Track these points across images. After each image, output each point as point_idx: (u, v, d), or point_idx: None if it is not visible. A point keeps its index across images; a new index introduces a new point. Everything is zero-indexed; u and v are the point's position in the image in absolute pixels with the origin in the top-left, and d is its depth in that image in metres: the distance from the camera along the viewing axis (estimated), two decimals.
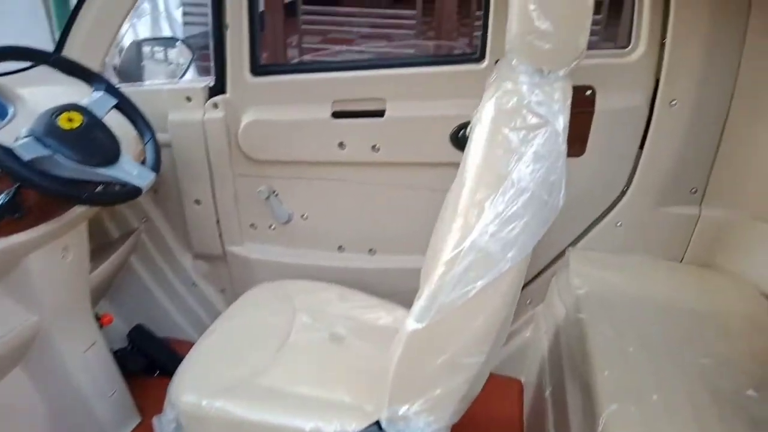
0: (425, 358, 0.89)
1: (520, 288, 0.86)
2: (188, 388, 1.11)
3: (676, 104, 1.30)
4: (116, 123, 1.26)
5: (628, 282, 1.32)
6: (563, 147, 0.78)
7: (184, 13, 3.38)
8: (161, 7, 3.26)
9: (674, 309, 1.23)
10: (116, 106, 1.26)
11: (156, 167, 1.25)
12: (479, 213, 0.79)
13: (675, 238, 1.43)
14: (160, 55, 2.08)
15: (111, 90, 1.26)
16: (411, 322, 0.87)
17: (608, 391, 0.99)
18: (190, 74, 2.00)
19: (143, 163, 1.28)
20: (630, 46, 1.32)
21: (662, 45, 1.28)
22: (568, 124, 0.77)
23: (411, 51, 3.97)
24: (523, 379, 1.66)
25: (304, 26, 4.21)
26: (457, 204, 0.84)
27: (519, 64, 0.79)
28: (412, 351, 0.89)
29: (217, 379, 1.14)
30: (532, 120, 0.77)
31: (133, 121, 1.30)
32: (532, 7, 0.73)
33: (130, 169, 1.18)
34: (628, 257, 1.44)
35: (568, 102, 0.77)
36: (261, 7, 1.54)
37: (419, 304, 0.86)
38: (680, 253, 1.44)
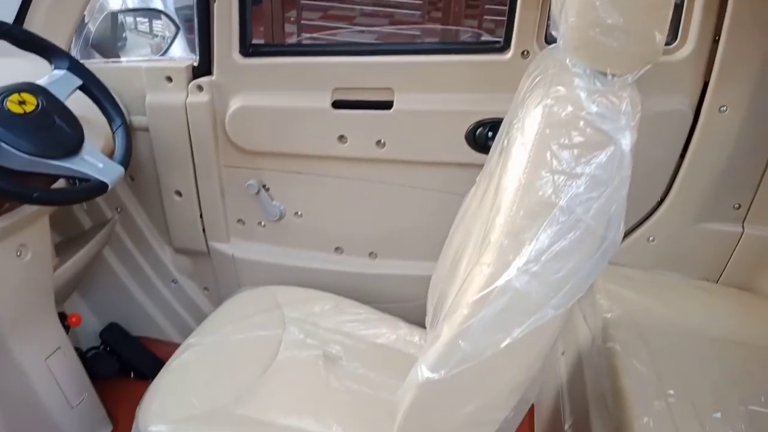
0: (438, 413, 0.75)
1: (558, 335, 0.72)
2: (158, 416, 0.96)
3: (726, 110, 1.13)
4: (81, 107, 1.08)
5: (662, 306, 1.18)
6: (628, 171, 0.62)
7: None
8: None
9: (717, 341, 1.09)
10: (81, 87, 1.09)
11: (125, 161, 1.08)
12: (518, 247, 0.63)
13: (712, 257, 1.28)
14: (142, 28, 1.89)
15: (75, 68, 1.08)
16: (424, 370, 0.71)
17: None
18: (181, 49, 1.81)
19: (113, 154, 1.11)
20: (676, 43, 1.15)
21: (714, 42, 1.11)
22: (634, 144, 0.61)
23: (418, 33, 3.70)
24: (533, 400, 1.52)
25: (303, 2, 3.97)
26: (485, 230, 0.68)
27: (575, 65, 0.63)
28: (423, 403, 0.74)
29: (192, 405, 0.99)
30: (592, 136, 0.61)
31: (101, 105, 1.12)
32: None
33: (94, 162, 1.01)
34: (660, 276, 1.29)
35: (638, 115, 0.61)
36: None
37: (436, 349, 0.71)
38: (717, 273, 1.29)
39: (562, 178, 0.61)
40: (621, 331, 1.09)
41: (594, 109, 0.60)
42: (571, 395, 1.21)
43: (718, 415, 0.91)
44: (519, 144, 0.65)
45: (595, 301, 1.20)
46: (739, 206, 1.23)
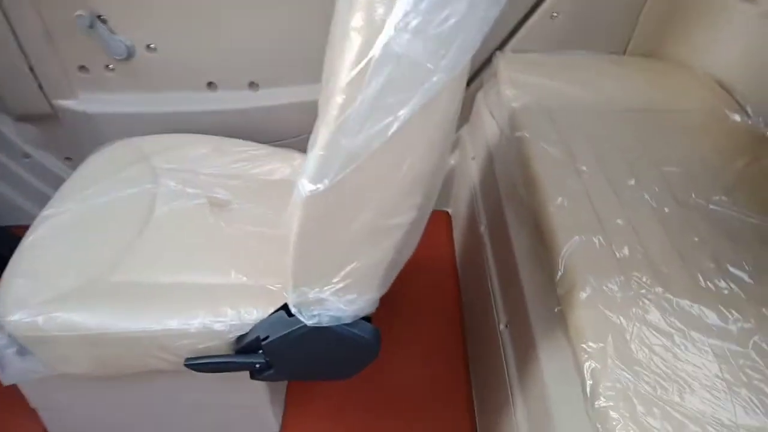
0: (333, 228, 0.64)
1: (459, 111, 0.59)
2: (16, 304, 0.81)
3: None
4: None
5: (571, 86, 1.09)
6: None
7: None
8: None
9: (627, 111, 1.03)
10: None
11: None
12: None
13: (617, 27, 1.19)
14: None
15: None
16: (305, 183, 0.59)
17: (565, 221, 0.79)
18: None
19: None
20: None
21: None
22: None
23: None
24: (450, 211, 1.48)
25: None
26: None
27: None
28: (312, 221, 0.63)
29: (56, 285, 0.83)
30: None
31: None
32: None
33: None
34: (567, 57, 1.19)
35: None
36: None
37: (314, 156, 0.57)
38: (623, 44, 1.21)
39: None
40: (529, 118, 1.00)
41: None
42: (484, 197, 1.16)
43: (632, 182, 0.87)
44: None
45: (500, 92, 1.10)
46: None
